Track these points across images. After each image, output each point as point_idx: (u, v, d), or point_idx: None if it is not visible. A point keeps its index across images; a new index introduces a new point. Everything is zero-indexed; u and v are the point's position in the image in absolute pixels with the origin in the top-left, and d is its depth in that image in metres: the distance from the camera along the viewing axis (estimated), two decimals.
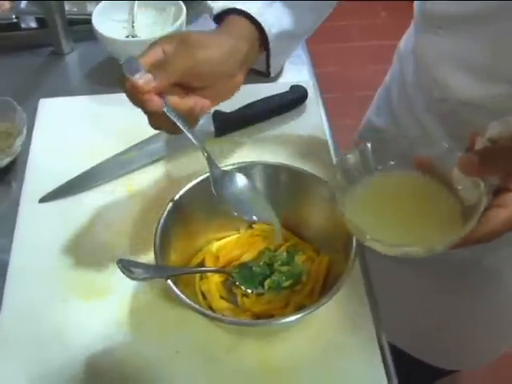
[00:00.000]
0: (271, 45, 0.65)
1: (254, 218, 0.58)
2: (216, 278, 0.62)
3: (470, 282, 0.82)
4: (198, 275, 0.62)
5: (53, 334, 0.59)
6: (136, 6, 0.90)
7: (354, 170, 0.54)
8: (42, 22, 0.92)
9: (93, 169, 0.73)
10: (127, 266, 0.54)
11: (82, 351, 0.58)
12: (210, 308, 0.59)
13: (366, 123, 0.91)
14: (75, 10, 0.94)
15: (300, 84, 0.81)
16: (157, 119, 0.55)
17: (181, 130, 0.55)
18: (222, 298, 0.61)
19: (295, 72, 0.85)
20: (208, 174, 0.58)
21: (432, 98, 0.70)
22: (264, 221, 0.61)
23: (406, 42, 0.80)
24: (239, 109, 0.77)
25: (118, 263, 0.54)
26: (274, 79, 0.84)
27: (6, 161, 0.73)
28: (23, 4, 0.94)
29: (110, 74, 0.88)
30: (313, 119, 0.80)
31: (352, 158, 0.54)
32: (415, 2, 0.70)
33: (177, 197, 0.60)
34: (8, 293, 0.62)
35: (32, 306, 0.61)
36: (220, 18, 0.64)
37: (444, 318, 0.89)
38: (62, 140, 0.78)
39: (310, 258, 0.63)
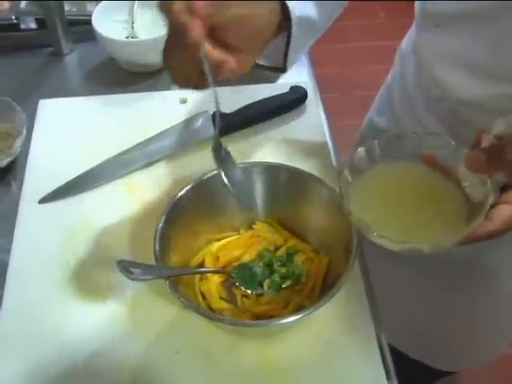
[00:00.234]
0: (294, 28, 0.59)
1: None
2: (216, 279, 0.62)
3: (469, 281, 0.82)
4: (197, 276, 0.62)
5: (53, 333, 0.59)
6: (136, 6, 0.90)
7: (360, 166, 0.54)
8: (41, 23, 0.92)
9: (92, 169, 0.73)
10: (127, 267, 0.54)
11: (82, 351, 0.58)
12: (210, 308, 0.59)
13: (367, 123, 0.92)
14: (75, 10, 0.94)
15: (300, 85, 0.81)
16: (188, 65, 0.51)
17: (206, 84, 0.52)
18: (221, 298, 0.61)
19: (295, 73, 0.85)
20: (208, 175, 0.58)
21: (431, 98, 0.70)
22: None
23: (407, 42, 0.80)
24: (239, 109, 0.77)
25: (117, 264, 0.54)
26: (274, 80, 0.84)
27: (5, 161, 0.73)
28: (23, 4, 0.94)
29: (109, 75, 0.89)
30: (312, 120, 0.80)
31: (358, 155, 0.54)
32: (416, 2, 0.71)
33: (177, 197, 0.60)
34: (8, 293, 0.62)
35: (32, 306, 0.61)
36: None
37: (443, 318, 0.89)
38: (62, 140, 0.78)
39: (309, 258, 0.63)
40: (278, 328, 0.58)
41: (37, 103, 0.82)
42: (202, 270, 0.63)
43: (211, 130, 0.76)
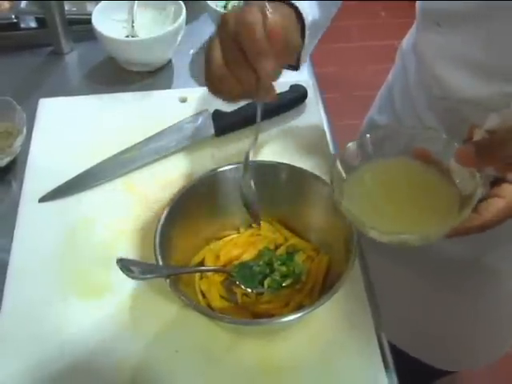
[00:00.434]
0: (308, 33, 0.62)
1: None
2: (216, 278, 0.62)
3: (469, 280, 0.82)
4: (197, 274, 0.62)
5: (53, 333, 0.59)
6: (136, 5, 0.90)
7: (353, 160, 0.55)
8: (41, 22, 0.92)
9: (92, 168, 0.73)
10: (127, 266, 0.54)
11: (82, 351, 0.58)
12: (210, 307, 0.59)
13: (368, 122, 0.92)
14: (75, 9, 0.94)
15: (300, 84, 0.81)
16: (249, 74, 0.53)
17: (240, 97, 0.54)
18: (221, 297, 0.61)
19: (295, 72, 0.85)
20: (207, 174, 0.58)
21: (432, 96, 0.70)
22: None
23: (408, 40, 0.80)
24: (239, 109, 0.76)
25: (117, 262, 0.54)
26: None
27: (5, 160, 0.73)
28: (23, 4, 0.94)
29: (109, 74, 0.89)
30: (312, 119, 0.80)
31: (351, 148, 0.55)
32: (417, 1, 0.71)
33: (177, 196, 0.60)
34: (8, 293, 0.62)
35: (32, 305, 0.61)
36: None
37: (443, 317, 0.89)
38: (62, 140, 0.78)
39: (309, 257, 0.63)
40: (278, 327, 0.58)
41: (37, 102, 0.82)
42: (203, 268, 0.63)
43: (211, 129, 0.76)
